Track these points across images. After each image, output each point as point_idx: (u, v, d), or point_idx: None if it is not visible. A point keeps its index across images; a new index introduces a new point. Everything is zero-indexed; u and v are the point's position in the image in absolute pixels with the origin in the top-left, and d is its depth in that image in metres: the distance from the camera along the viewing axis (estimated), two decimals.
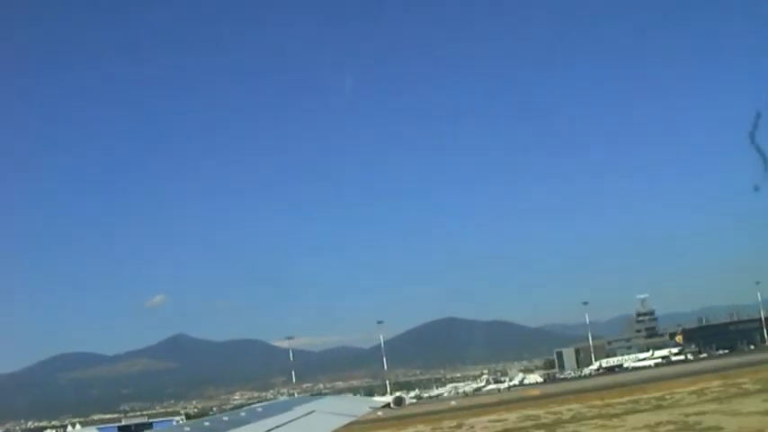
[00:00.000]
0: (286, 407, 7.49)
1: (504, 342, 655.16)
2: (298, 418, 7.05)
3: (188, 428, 6.32)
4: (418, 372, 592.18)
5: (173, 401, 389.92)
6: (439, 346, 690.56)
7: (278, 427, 6.69)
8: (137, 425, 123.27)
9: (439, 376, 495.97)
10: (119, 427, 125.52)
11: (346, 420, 7.40)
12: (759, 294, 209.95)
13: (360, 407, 8.31)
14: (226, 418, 6.72)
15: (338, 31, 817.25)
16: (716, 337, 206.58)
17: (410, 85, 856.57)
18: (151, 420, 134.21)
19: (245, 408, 7.60)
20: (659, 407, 57.29)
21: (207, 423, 6.48)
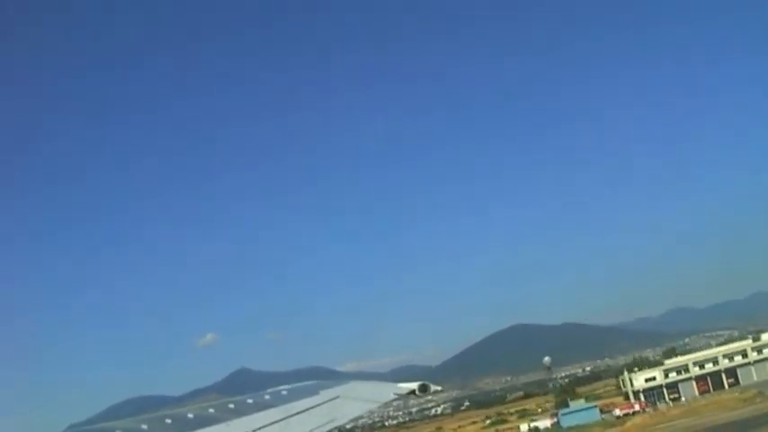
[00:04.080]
0: (311, 391, 7.41)
1: (579, 343, 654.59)
2: (322, 402, 6.97)
3: (212, 410, 6.29)
4: (508, 378, 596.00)
5: None
6: (512, 353, 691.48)
7: (303, 411, 6.61)
8: None
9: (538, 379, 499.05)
10: None
11: (371, 406, 7.31)
12: None
13: (385, 393, 8.19)
14: (250, 401, 6.68)
15: None
16: None
17: None
18: None
19: (269, 390, 7.54)
20: None
21: (231, 405, 6.45)
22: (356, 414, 7.19)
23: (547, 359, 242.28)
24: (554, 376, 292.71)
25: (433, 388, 8.65)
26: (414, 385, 8.52)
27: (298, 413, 6.63)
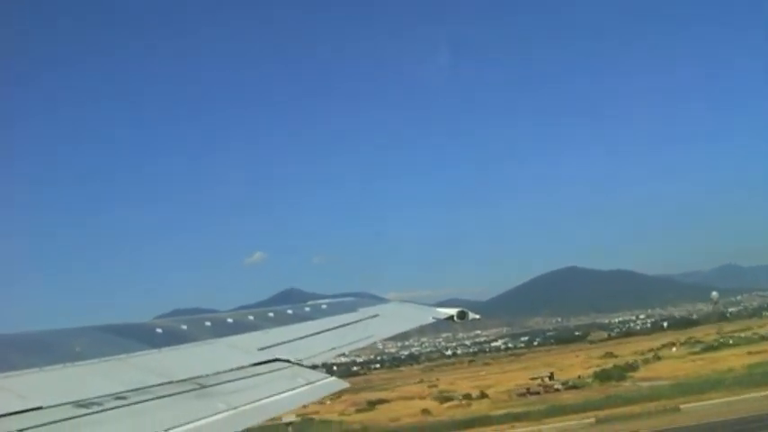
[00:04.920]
0: (351, 307, 7.45)
1: (628, 291, 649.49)
2: (362, 319, 7.04)
3: (251, 317, 6.40)
4: (558, 319, 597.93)
5: None
6: (561, 296, 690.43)
7: (342, 326, 6.69)
8: None
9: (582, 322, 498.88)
10: None
11: (409, 326, 7.36)
12: None
13: (423, 316, 8.19)
14: (290, 312, 6.77)
15: None
16: None
17: None
18: None
19: (309, 303, 7.63)
20: None
21: (271, 314, 6.55)
22: (393, 333, 7.21)
23: (714, 294, 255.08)
24: (722, 310, 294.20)
25: (472, 316, 8.61)
26: (453, 311, 8.49)
27: (336, 327, 6.69)
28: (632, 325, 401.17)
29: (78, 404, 3.54)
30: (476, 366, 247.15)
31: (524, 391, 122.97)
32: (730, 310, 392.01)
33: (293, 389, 4.75)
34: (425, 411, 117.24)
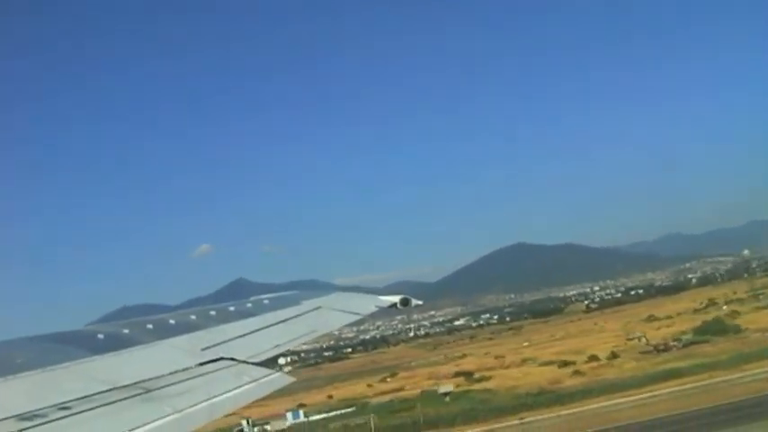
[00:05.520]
0: (293, 301, 7.48)
1: (577, 264, 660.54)
2: (304, 312, 7.07)
3: (193, 316, 6.39)
4: (512, 295, 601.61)
5: None
6: (511, 272, 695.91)
7: (283, 321, 6.71)
8: None
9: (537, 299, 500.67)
10: None
11: (352, 318, 7.39)
12: None
13: (367, 305, 8.28)
14: (232, 308, 6.77)
15: None
16: None
17: None
18: None
19: (252, 299, 7.64)
20: None
21: (213, 312, 6.54)
22: (337, 326, 7.28)
23: (746, 252, 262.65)
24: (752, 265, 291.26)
25: (415, 302, 8.75)
26: (395, 298, 8.61)
27: (279, 322, 6.73)
28: (593, 297, 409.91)
29: (22, 417, 3.52)
30: (481, 342, 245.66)
31: (651, 349, 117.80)
32: (689, 276, 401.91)
33: (239, 387, 4.76)
34: (554, 381, 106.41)
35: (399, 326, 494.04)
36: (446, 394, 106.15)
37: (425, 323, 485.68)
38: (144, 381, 4.49)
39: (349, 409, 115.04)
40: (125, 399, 4.14)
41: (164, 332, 5.70)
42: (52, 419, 3.63)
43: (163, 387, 4.44)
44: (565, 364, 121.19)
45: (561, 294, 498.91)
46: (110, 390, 4.20)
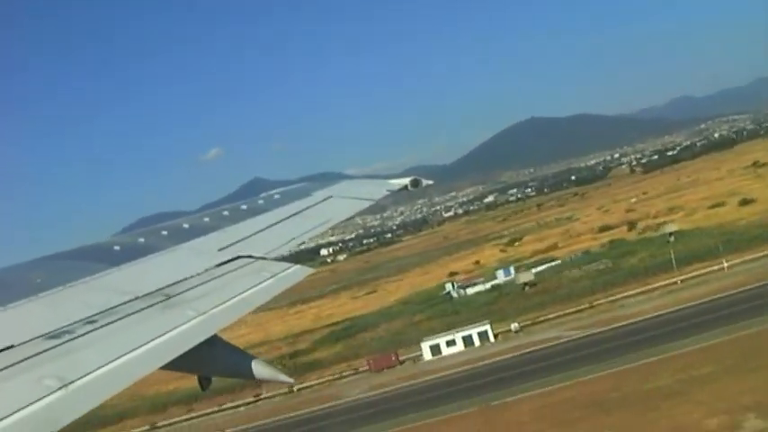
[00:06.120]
0: (303, 193, 7.43)
1: (590, 134, 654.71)
2: (315, 204, 7.03)
3: (207, 218, 6.39)
4: (531, 170, 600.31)
5: None
6: (526, 147, 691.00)
7: (296, 213, 6.66)
8: None
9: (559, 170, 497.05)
10: None
11: (364, 204, 7.33)
12: None
13: (377, 190, 8.22)
14: (244, 207, 6.75)
15: None
16: None
17: None
18: None
19: (262, 195, 7.60)
20: None
21: (226, 212, 6.53)
22: (350, 213, 7.27)
23: None
24: None
25: (425, 182, 8.71)
26: (405, 180, 8.57)
27: (292, 215, 6.74)
28: (624, 162, 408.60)
29: (50, 336, 3.56)
30: (554, 209, 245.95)
31: None
32: (716, 134, 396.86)
33: (259, 283, 4.75)
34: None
35: (424, 209, 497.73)
36: (670, 234, 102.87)
37: (450, 203, 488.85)
38: (165, 287, 4.52)
39: (553, 263, 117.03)
40: (148, 307, 4.18)
41: (179, 237, 5.72)
42: (80, 335, 3.68)
43: (184, 291, 4.47)
44: (745, 201, 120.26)
45: (582, 164, 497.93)
46: (132, 300, 4.24)
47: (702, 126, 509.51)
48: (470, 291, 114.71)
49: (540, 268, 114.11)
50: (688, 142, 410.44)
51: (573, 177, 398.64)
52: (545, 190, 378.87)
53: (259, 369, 4.48)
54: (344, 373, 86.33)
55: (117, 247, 5.35)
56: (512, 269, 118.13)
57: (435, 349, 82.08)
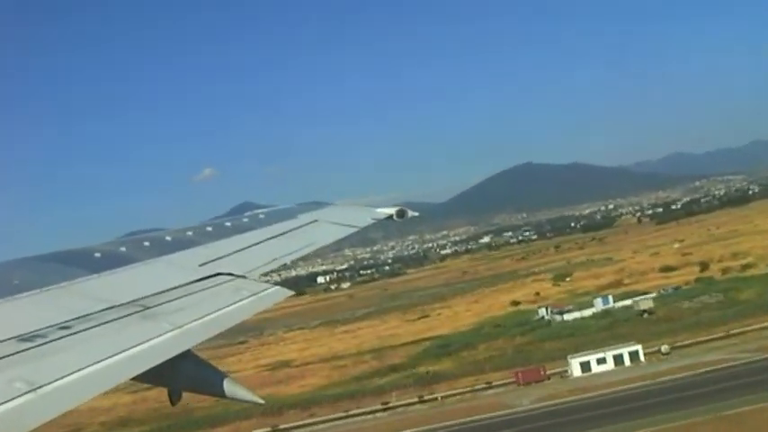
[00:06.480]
0: (289, 214, 7.42)
1: (584, 184, 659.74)
2: (301, 226, 7.03)
3: (190, 233, 6.38)
4: (524, 215, 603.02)
5: None
6: (519, 192, 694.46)
7: (281, 234, 6.70)
8: None
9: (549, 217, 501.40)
10: None
11: (349, 231, 7.39)
12: None
13: (363, 217, 8.26)
14: (229, 224, 6.75)
15: None
16: None
17: None
18: None
19: (247, 213, 7.60)
20: None
21: (209, 228, 6.52)
22: (334, 238, 7.28)
23: None
24: None
25: (411, 214, 8.74)
26: (391, 210, 8.59)
27: (276, 236, 6.73)
28: (612, 215, 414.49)
29: (22, 338, 3.53)
30: (573, 251, 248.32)
31: None
32: (714, 192, 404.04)
33: (238, 301, 4.70)
34: None
35: (416, 245, 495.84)
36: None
37: (443, 241, 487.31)
38: (142, 298, 4.49)
39: (648, 296, 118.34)
40: (124, 316, 4.14)
41: (161, 249, 5.68)
42: (53, 339, 3.64)
43: (161, 304, 4.43)
44: None
45: (576, 213, 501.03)
46: (109, 308, 4.21)
47: (697, 183, 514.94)
48: (567, 317, 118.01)
49: (644, 297, 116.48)
50: (688, 198, 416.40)
51: (573, 224, 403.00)
52: (547, 234, 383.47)
53: (230, 387, 4.44)
54: (477, 387, 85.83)
55: (98, 254, 5.31)
56: (610, 298, 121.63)
57: (585, 366, 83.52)
